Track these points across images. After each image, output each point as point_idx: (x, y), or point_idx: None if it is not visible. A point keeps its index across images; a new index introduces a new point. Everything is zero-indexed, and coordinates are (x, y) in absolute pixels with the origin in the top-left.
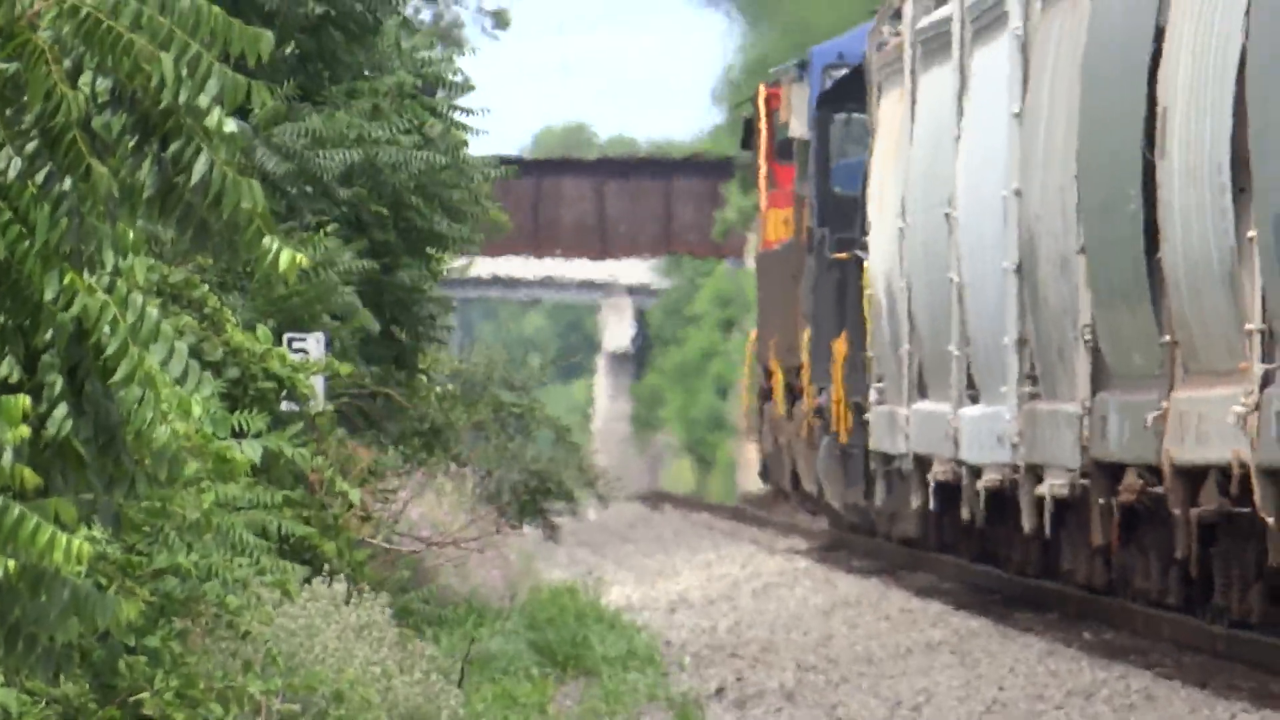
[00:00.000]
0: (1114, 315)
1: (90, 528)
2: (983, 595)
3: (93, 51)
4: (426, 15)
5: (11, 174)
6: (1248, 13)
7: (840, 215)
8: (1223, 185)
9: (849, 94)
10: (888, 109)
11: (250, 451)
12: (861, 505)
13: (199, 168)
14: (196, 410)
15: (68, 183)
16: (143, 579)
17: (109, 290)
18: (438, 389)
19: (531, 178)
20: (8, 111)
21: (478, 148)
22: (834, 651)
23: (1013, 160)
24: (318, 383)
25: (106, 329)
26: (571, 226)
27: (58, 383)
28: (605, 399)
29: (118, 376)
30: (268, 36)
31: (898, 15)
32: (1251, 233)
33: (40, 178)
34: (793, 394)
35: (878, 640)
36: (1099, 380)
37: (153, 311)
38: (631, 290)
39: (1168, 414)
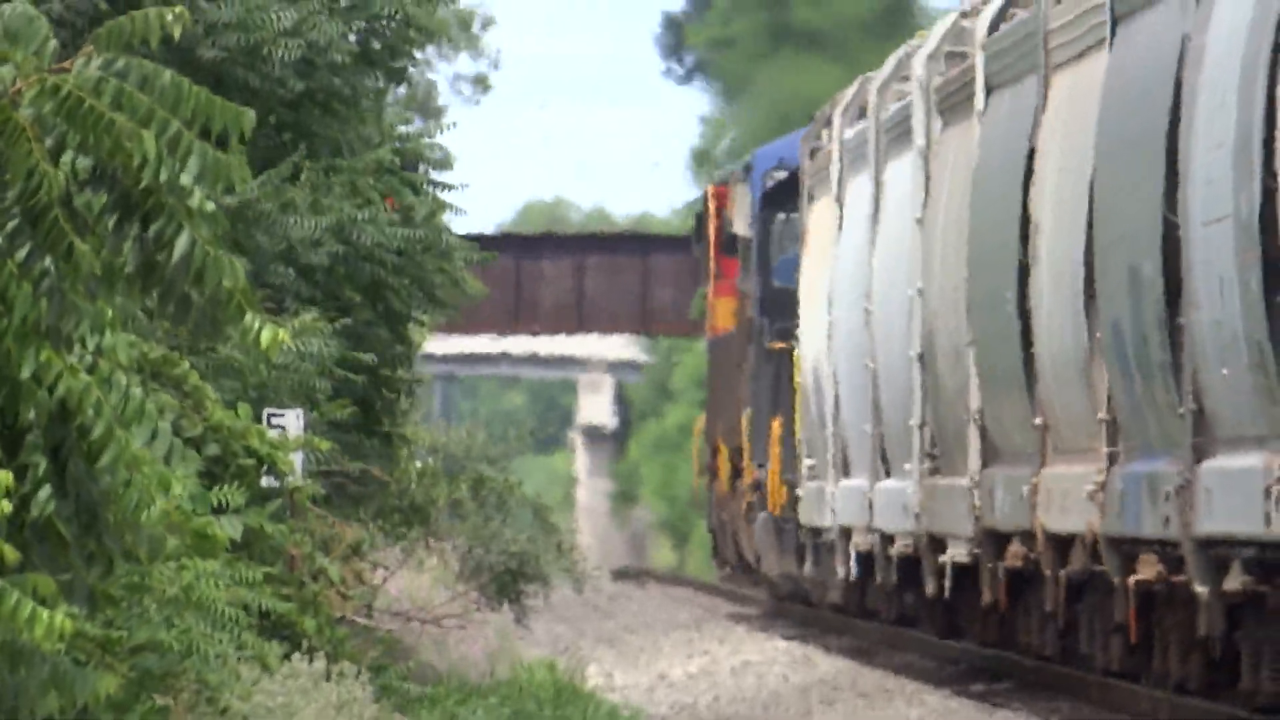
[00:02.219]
0: (998, 400)
1: (70, 604)
2: (961, 674)
3: (74, 130)
4: (402, 88)
5: None
6: (1095, 145)
7: (779, 307)
8: (1078, 292)
9: (787, 195)
10: (818, 211)
11: (230, 528)
12: (794, 574)
13: (180, 245)
14: (177, 488)
15: (48, 261)
16: (122, 655)
17: (91, 370)
18: (418, 464)
19: (510, 255)
20: None
21: (457, 225)
22: None
23: (916, 262)
24: (297, 459)
25: (90, 411)
26: (551, 303)
27: (42, 464)
28: (585, 474)
29: (104, 461)
30: (249, 114)
31: (830, 124)
32: (1101, 333)
33: (21, 255)
34: (736, 473)
35: (856, 719)
36: (987, 457)
37: (136, 392)
38: (611, 366)
39: (1038, 487)
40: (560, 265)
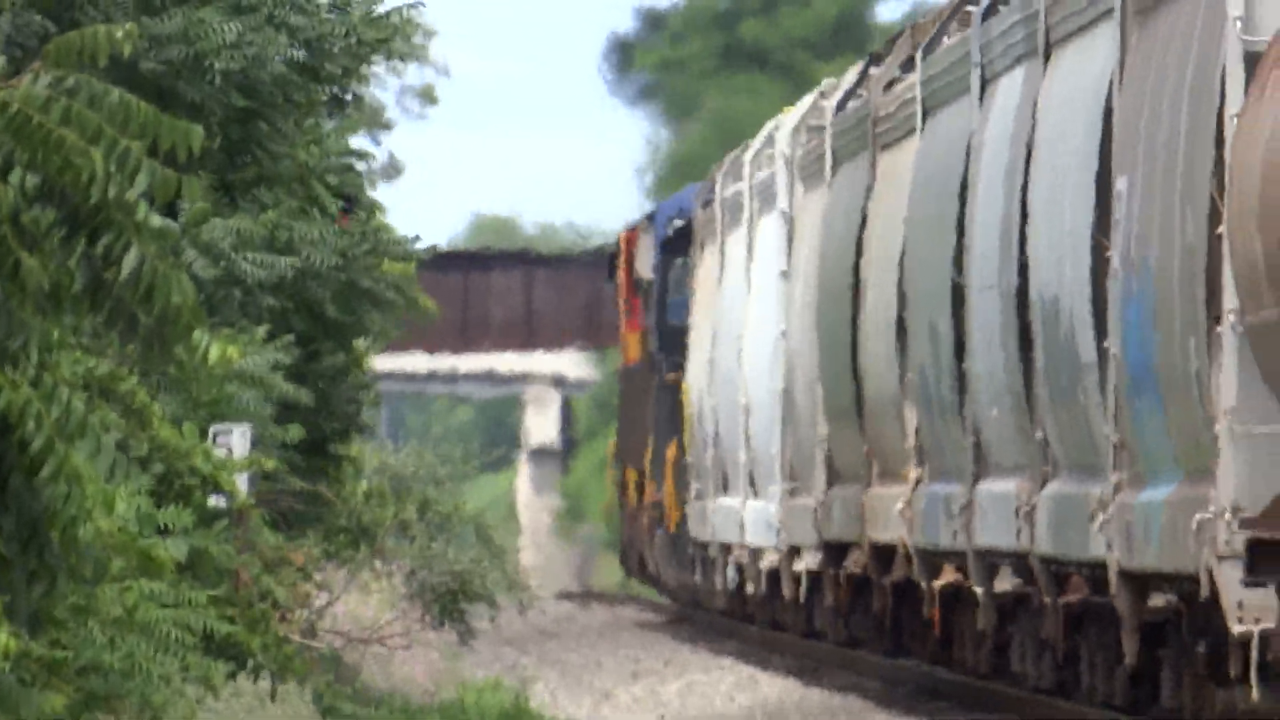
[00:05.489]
0: (838, 430)
1: (12, 624)
2: (905, 693)
3: (22, 147)
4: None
5: None
6: (905, 218)
7: (675, 343)
8: (892, 340)
9: (685, 243)
10: (706, 259)
11: (175, 549)
12: (689, 584)
13: (129, 262)
14: (120, 506)
15: None
16: (67, 675)
17: (34, 384)
18: (364, 485)
19: (460, 271)
20: None
21: (407, 230)
22: None
23: (780, 308)
24: (242, 479)
25: (31, 424)
26: (500, 319)
27: None
28: (530, 493)
29: (44, 474)
30: (197, 131)
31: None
32: (910, 375)
33: None
34: (641, 492)
35: None
36: (831, 479)
37: (79, 406)
38: (558, 382)
39: (865, 505)
40: (509, 280)
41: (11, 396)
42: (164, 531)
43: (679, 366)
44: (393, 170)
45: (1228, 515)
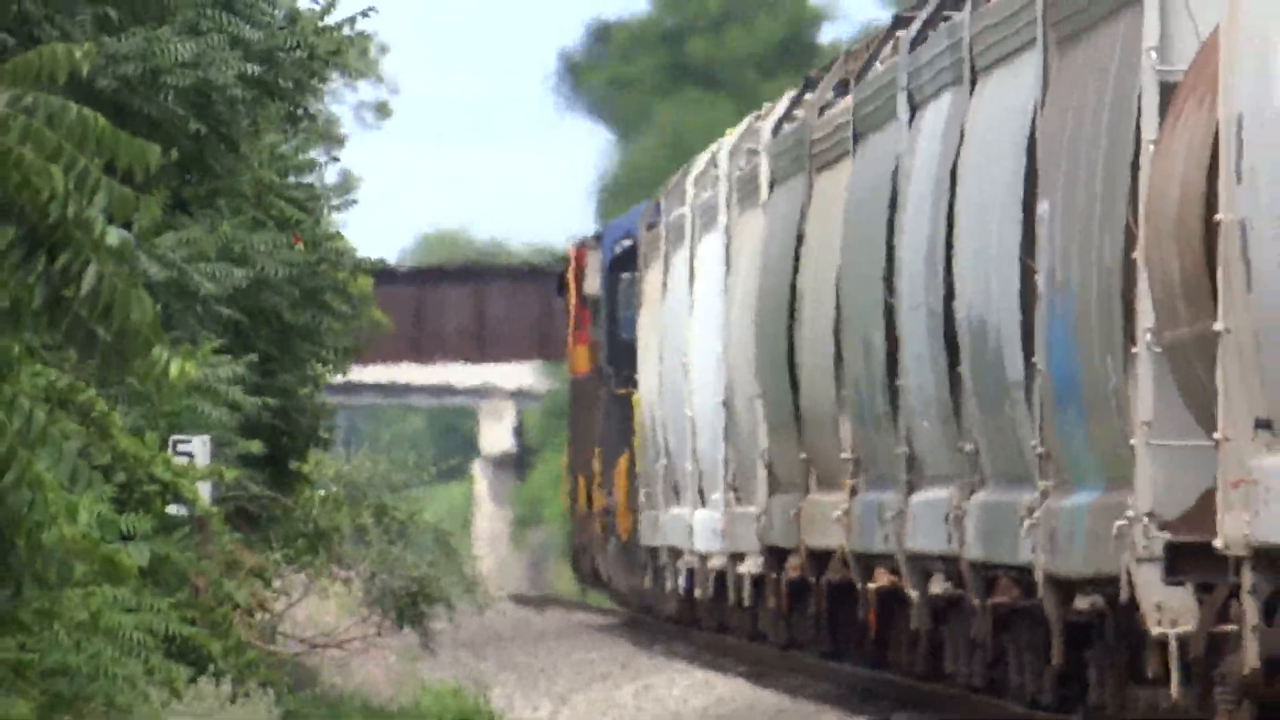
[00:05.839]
0: (778, 441)
1: None
2: (852, 694)
3: None
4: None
5: None
6: (840, 238)
7: (625, 356)
8: (828, 354)
9: (632, 261)
10: (651, 278)
11: (137, 555)
12: (639, 589)
13: (88, 280)
14: (84, 516)
15: None
16: (33, 678)
17: None
18: (321, 492)
19: (413, 285)
20: None
21: (359, 244)
22: None
23: (721, 324)
24: (204, 487)
25: None
26: (453, 332)
27: None
28: (486, 502)
29: (6, 481)
30: (154, 149)
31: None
32: (845, 389)
33: None
34: (592, 500)
35: None
36: (772, 488)
37: (40, 414)
38: (512, 394)
39: (802, 512)
40: (462, 294)
41: None
42: (126, 538)
43: (628, 380)
44: (345, 189)
45: (1145, 521)
